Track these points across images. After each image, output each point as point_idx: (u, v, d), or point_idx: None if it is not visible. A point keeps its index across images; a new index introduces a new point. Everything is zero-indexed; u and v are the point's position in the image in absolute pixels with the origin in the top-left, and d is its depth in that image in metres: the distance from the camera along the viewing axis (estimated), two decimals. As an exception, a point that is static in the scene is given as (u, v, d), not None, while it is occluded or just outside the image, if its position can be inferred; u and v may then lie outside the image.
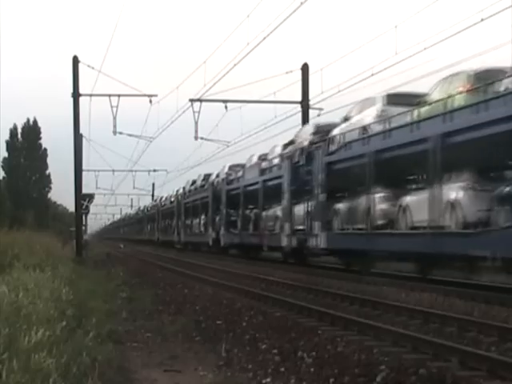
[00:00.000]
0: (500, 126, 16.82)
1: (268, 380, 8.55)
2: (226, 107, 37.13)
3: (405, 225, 21.26)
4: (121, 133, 40.45)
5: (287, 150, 31.53)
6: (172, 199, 64.42)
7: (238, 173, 41.02)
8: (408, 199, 21.44)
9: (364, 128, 24.08)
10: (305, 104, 37.78)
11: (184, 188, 59.05)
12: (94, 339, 9.65)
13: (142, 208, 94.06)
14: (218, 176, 46.82)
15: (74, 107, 38.27)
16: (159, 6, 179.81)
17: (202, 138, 39.51)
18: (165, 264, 34.50)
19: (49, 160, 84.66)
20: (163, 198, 72.90)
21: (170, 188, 72.17)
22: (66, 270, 20.41)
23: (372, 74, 27.02)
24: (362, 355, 9.53)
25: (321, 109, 36.76)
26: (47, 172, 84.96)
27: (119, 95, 38.14)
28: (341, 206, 25.93)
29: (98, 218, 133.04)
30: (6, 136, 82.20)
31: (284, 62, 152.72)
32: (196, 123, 37.64)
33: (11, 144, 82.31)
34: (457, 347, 9.79)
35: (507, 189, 17.14)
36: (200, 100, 37.01)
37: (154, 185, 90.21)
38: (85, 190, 42.57)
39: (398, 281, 20.12)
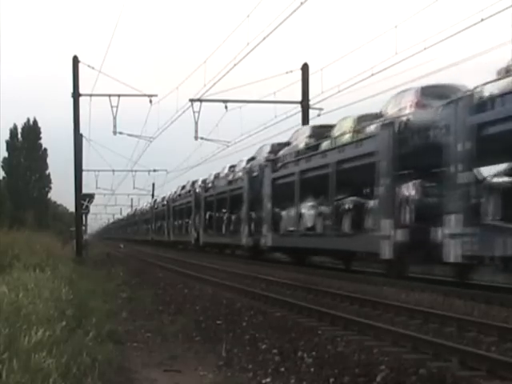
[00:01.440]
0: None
1: (268, 380, 8.55)
2: (226, 107, 37.19)
3: None
4: (121, 133, 40.54)
5: None
6: (230, 179, 42.79)
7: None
8: None
9: None
10: (305, 104, 37.79)
11: (252, 159, 38.72)
12: (94, 339, 9.65)
13: (160, 199, 74.99)
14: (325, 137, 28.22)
15: (74, 107, 38.29)
16: (159, 6, 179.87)
17: (202, 138, 39.49)
18: (165, 264, 34.47)
19: (49, 160, 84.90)
20: (199, 182, 52.93)
21: (170, 188, 71.36)
22: (66, 270, 20.43)
23: (372, 74, 26.90)
24: (362, 355, 9.52)
25: (321, 109, 36.80)
26: (47, 172, 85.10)
27: (119, 95, 38.20)
28: None
29: (98, 218, 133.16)
30: (6, 136, 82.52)
31: (284, 62, 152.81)
32: (196, 123, 37.69)
33: (11, 144, 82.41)
34: (457, 347, 9.78)
35: None
36: (200, 100, 37.04)
37: (154, 185, 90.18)
38: (85, 190, 42.61)
39: (398, 281, 20.10)
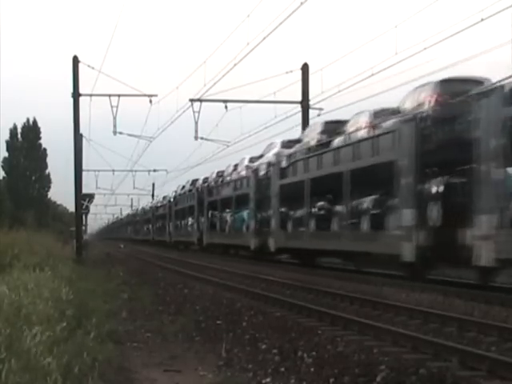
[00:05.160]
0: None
1: (268, 380, 8.54)
2: (226, 107, 37.19)
3: None
4: (121, 133, 40.51)
5: None
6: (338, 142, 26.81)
7: None
8: None
9: None
10: (305, 104, 37.81)
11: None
12: (94, 339, 9.65)
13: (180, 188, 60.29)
14: None
15: (74, 107, 38.28)
16: (159, 6, 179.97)
17: (202, 138, 39.50)
18: (165, 264, 34.47)
19: (49, 160, 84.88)
20: (258, 163, 37.45)
21: (169, 188, 70.81)
22: (65, 270, 20.43)
23: (372, 74, 26.89)
24: (362, 355, 9.52)
25: (321, 109, 36.77)
26: (46, 172, 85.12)
27: (119, 95, 38.19)
28: None
29: (98, 218, 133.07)
30: (6, 136, 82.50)
31: (284, 62, 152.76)
32: (196, 123, 37.70)
33: (11, 144, 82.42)
34: (457, 347, 9.79)
35: None
36: (200, 100, 37.04)
37: (154, 185, 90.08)
38: (85, 190, 42.62)
39: (398, 281, 20.11)
